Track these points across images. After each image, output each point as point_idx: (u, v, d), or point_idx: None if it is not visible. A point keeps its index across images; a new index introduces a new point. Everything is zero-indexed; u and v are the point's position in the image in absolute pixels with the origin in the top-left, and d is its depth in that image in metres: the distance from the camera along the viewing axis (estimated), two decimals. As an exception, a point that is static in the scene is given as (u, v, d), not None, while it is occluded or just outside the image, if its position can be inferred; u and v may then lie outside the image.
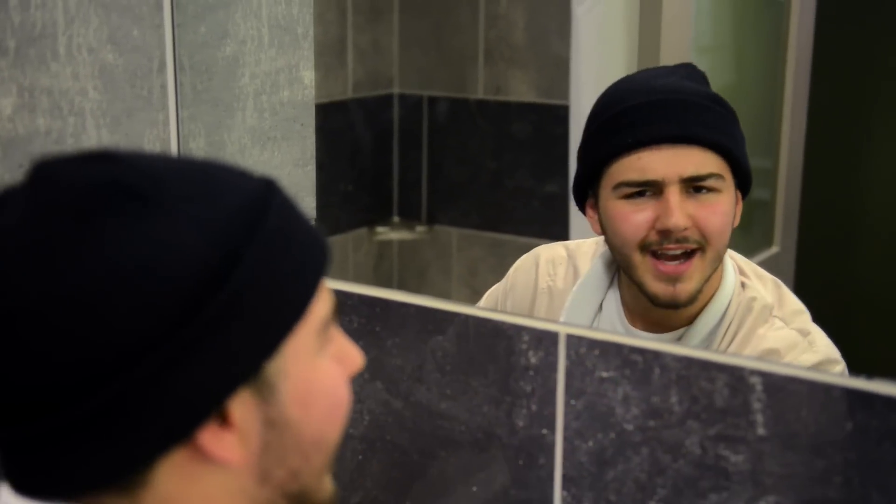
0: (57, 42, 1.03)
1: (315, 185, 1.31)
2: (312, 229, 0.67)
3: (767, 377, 0.84)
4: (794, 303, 1.12)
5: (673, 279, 1.04)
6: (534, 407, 0.96)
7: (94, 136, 1.08)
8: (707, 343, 1.09)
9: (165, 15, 1.13)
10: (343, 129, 2.04)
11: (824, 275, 1.19)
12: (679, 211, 1.03)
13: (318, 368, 0.66)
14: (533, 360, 0.95)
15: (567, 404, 0.94)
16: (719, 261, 1.07)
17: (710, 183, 1.04)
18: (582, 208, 1.14)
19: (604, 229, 1.10)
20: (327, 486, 0.72)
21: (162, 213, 0.59)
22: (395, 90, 2.17)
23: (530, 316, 1.17)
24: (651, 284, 1.05)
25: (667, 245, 1.04)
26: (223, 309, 0.59)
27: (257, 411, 0.63)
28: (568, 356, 0.93)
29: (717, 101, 1.09)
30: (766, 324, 1.08)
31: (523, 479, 0.97)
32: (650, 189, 1.05)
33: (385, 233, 2.10)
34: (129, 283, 0.58)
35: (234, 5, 1.20)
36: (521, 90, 2.01)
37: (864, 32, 2.05)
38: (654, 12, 1.72)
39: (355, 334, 1.06)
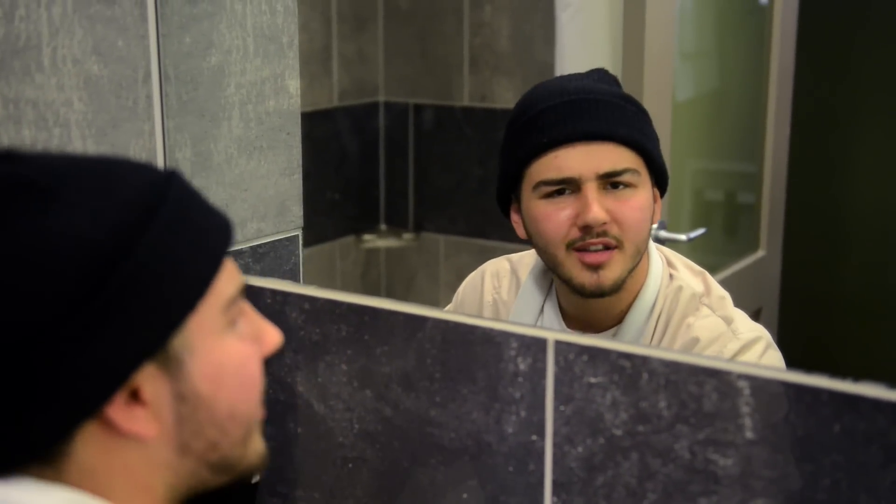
0: (41, 53, 1.03)
1: (302, 194, 1.31)
2: (214, 214, 0.71)
3: (755, 381, 0.84)
4: (718, 289, 1.15)
5: (596, 268, 1.08)
6: (523, 413, 0.96)
7: (79, 146, 1.08)
8: (640, 337, 1.12)
9: (150, 26, 1.13)
10: (329, 138, 2.04)
11: (810, 277, 1.20)
12: (597, 205, 1.06)
13: (226, 345, 0.70)
14: (522, 366, 0.95)
15: (556, 410, 0.94)
16: (639, 255, 1.10)
17: (626, 178, 1.08)
18: (506, 213, 1.17)
19: (528, 232, 1.13)
20: (253, 452, 0.75)
21: (60, 205, 0.63)
22: (381, 98, 2.18)
23: (519, 323, 1.18)
24: (577, 276, 1.09)
25: (588, 240, 1.07)
26: (120, 289, 0.63)
27: (167, 386, 0.67)
28: (556, 362, 0.93)
29: (629, 100, 1.12)
30: (695, 312, 1.12)
31: (513, 485, 0.97)
32: (569, 187, 1.08)
33: (372, 240, 2.11)
34: (27, 269, 0.62)
35: (218, 15, 1.19)
36: (507, 97, 2.02)
37: (846, 39, 2.07)
38: (637, 19, 1.73)
39: (343, 343, 1.06)
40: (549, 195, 1.09)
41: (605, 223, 1.06)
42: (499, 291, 1.24)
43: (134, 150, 1.13)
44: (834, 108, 2.08)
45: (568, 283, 1.10)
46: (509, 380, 0.96)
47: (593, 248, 1.07)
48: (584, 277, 1.08)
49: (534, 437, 0.95)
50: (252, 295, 1.11)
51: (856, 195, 2.10)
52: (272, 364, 1.11)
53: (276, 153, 1.28)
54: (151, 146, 1.15)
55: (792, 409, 0.83)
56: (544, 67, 1.87)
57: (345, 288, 1.06)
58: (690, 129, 1.93)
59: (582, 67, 1.72)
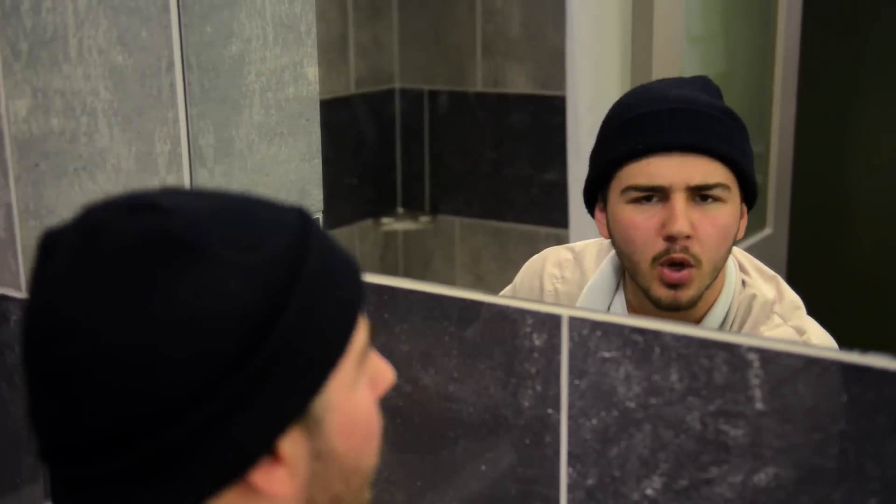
0: (68, 44, 1.03)
1: (321, 179, 1.31)
2: (349, 261, 0.67)
3: (764, 353, 0.84)
4: (792, 298, 1.12)
5: (675, 286, 1.05)
6: (539, 388, 0.96)
7: (106, 134, 1.08)
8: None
9: (172, 16, 1.13)
10: (347, 124, 2.04)
11: (816, 254, 1.19)
12: (683, 218, 1.03)
13: (357, 397, 0.67)
14: (537, 342, 0.95)
15: (571, 384, 0.94)
16: (717, 272, 1.07)
17: (716, 192, 1.04)
18: (591, 211, 1.14)
19: (611, 233, 1.10)
20: (363, 500, 0.72)
21: (207, 263, 0.59)
22: (397, 85, 2.17)
23: (533, 300, 1.18)
24: (656, 290, 1.06)
25: (672, 255, 1.04)
26: (271, 355, 0.59)
27: (306, 446, 0.63)
28: (571, 338, 0.93)
29: (730, 114, 1.08)
30: (768, 320, 1.09)
31: (530, 457, 0.98)
32: (657, 195, 1.05)
33: (390, 223, 2.11)
34: (177, 335, 0.57)
35: (238, 5, 1.19)
36: (519, 82, 2.01)
37: (851, 22, 2.05)
38: (646, 4, 1.72)
39: (364, 321, 1.06)
40: (636, 200, 1.06)
41: (688, 236, 1.04)
42: (561, 281, 1.21)
43: (158, 137, 1.14)
44: (839, 89, 2.07)
45: (645, 292, 1.08)
46: (525, 355, 0.96)
47: (675, 263, 1.05)
48: (662, 293, 1.06)
49: (549, 411, 0.96)
50: (275, 276, 1.11)
51: (861, 174, 2.08)
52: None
53: (296, 139, 1.28)
54: (175, 133, 1.15)
55: (800, 380, 0.83)
56: (555, 53, 1.86)
57: (364, 269, 1.06)
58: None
59: (593, 53, 1.72)
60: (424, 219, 2.13)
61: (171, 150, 1.15)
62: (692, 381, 0.88)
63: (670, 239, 1.04)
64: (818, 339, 1.08)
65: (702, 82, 1.13)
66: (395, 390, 1.05)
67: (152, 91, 1.12)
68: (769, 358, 0.84)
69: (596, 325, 0.92)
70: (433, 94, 2.14)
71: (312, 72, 1.29)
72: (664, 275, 1.05)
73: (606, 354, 0.92)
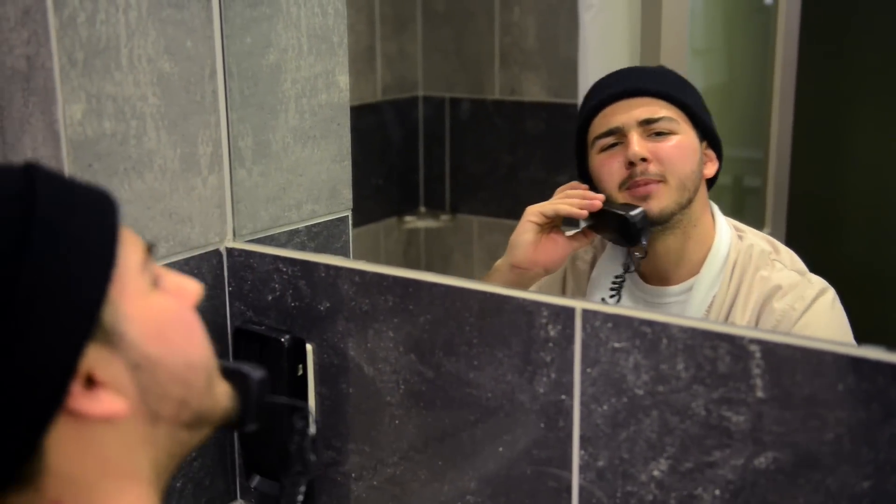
0: (120, 53, 1.04)
1: (351, 179, 1.32)
2: (93, 188, 0.66)
3: (765, 345, 0.84)
4: (787, 250, 1.18)
5: (643, 198, 1.12)
6: (553, 375, 0.96)
7: (153, 137, 1.09)
8: (714, 288, 1.14)
9: (215, 27, 1.14)
10: (374, 129, 2.05)
11: (812, 255, 1.18)
12: (638, 145, 1.12)
13: (156, 304, 0.65)
14: (552, 332, 0.95)
15: (583, 372, 0.94)
16: (686, 191, 1.14)
17: (663, 125, 1.14)
18: (583, 178, 1.22)
19: (594, 186, 1.18)
20: (221, 395, 0.70)
21: None
22: (420, 93, 2.18)
23: (549, 294, 1.20)
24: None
25: (634, 179, 1.13)
26: (33, 284, 0.58)
27: (119, 361, 0.62)
28: (584, 329, 0.93)
29: (674, 74, 1.21)
30: (769, 266, 1.15)
31: (544, 439, 0.98)
32: (618, 138, 1.14)
33: (413, 222, 2.11)
34: None
35: (276, 17, 1.20)
36: (534, 91, 2.01)
37: (845, 34, 2.04)
38: (654, 18, 1.71)
39: (390, 312, 1.06)
40: (603, 149, 1.16)
41: (645, 160, 1.12)
42: (581, 257, 1.27)
43: (202, 140, 1.14)
44: (834, 99, 2.05)
45: None
46: (541, 345, 0.96)
47: (639, 182, 1.13)
48: None
49: (563, 397, 0.96)
50: (307, 269, 1.12)
51: (854, 179, 2.07)
52: (326, 331, 1.11)
53: (327, 142, 1.28)
54: (217, 136, 1.16)
55: (799, 370, 0.83)
56: (568, 63, 1.86)
57: (388, 265, 1.07)
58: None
59: (603, 63, 1.71)
60: (445, 217, 2.13)
61: (213, 152, 1.16)
62: (697, 370, 0.88)
63: (630, 166, 1.13)
64: (817, 280, 1.14)
65: (657, 66, 1.26)
66: (419, 376, 1.06)
67: (196, 97, 1.13)
68: (770, 349, 0.84)
69: (608, 317, 0.92)
70: (454, 102, 2.14)
71: (343, 80, 1.29)
72: (633, 193, 1.13)
73: (617, 345, 0.91)
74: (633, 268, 1.20)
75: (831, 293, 1.12)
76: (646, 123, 1.13)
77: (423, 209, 2.17)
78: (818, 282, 1.13)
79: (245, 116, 1.18)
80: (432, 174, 2.17)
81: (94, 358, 0.60)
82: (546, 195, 1.18)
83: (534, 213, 1.17)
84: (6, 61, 1.01)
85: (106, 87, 1.03)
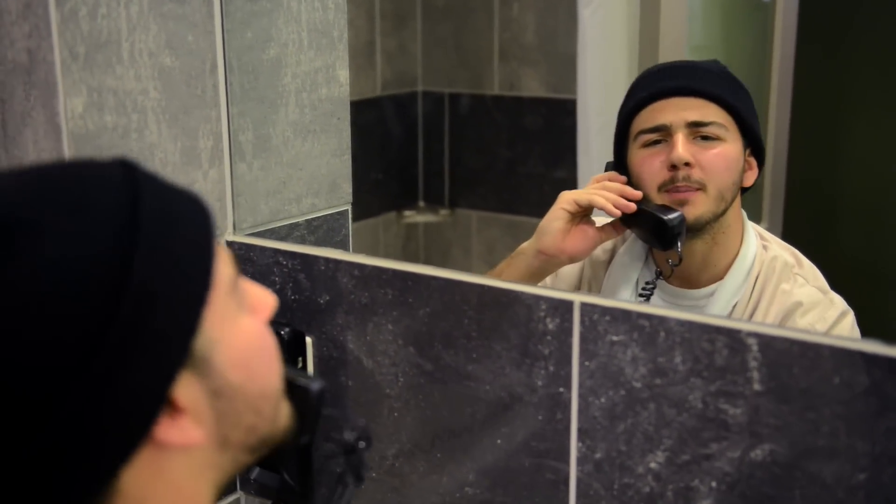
0: (121, 48, 1.04)
1: (351, 174, 1.31)
2: (191, 198, 0.61)
3: (762, 338, 0.84)
4: (810, 264, 1.15)
5: (681, 202, 1.09)
6: (551, 368, 0.96)
7: (154, 131, 1.08)
8: (736, 297, 1.12)
9: (216, 22, 1.13)
10: (374, 124, 2.04)
11: (808, 247, 1.18)
12: (683, 148, 1.08)
13: (241, 327, 0.62)
14: (550, 326, 0.95)
15: (581, 365, 0.94)
16: (724, 201, 1.11)
17: (712, 130, 1.10)
18: (620, 169, 1.18)
19: (631, 181, 1.15)
20: (283, 420, 0.67)
21: (41, 237, 0.53)
22: (420, 88, 2.18)
23: (546, 287, 1.20)
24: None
25: (676, 183, 1.09)
26: (135, 307, 0.54)
27: (201, 388, 0.59)
28: (582, 322, 0.93)
29: (730, 75, 1.15)
30: (790, 280, 1.12)
31: (542, 432, 0.98)
32: (662, 136, 1.11)
33: (412, 216, 2.11)
34: (36, 315, 0.52)
35: (276, 12, 1.20)
36: (533, 86, 2.01)
37: (842, 32, 2.04)
38: (653, 14, 1.71)
39: (389, 305, 1.06)
40: (646, 144, 1.12)
41: (688, 164, 1.09)
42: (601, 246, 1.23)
43: (202, 133, 1.14)
44: (831, 95, 2.05)
45: None
46: (539, 338, 0.96)
47: (679, 187, 1.10)
48: None
49: (561, 389, 0.96)
50: (307, 263, 1.12)
51: (851, 174, 2.07)
52: (326, 324, 1.11)
53: (327, 136, 1.28)
54: (218, 130, 1.16)
55: (796, 363, 0.83)
56: (567, 59, 1.86)
57: (387, 258, 1.06)
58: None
59: (602, 59, 1.71)
60: (444, 212, 2.13)
61: (214, 146, 1.16)
62: (694, 363, 0.88)
63: (673, 168, 1.09)
64: (839, 301, 1.12)
65: (711, 61, 1.19)
66: (418, 369, 1.06)
67: (197, 91, 1.12)
68: (767, 342, 0.84)
69: (605, 310, 0.92)
70: (453, 97, 2.14)
71: (343, 74, 1.29)
72: (672, 196, 1.10)
73: (615, 338, 0.91)
74: (663, 276, 1.17)
75: (851, 316, 1.10)
76: (694, 126, 1.10)
77: (422, 204, 2.17)
78: (840, 302, 1.11)
79: (245, 110, 1.18)
80: (431, 169, 2.17)
81: (182, 385, 0.57)
82: (544, 190, 1.18)
83: (568, 200, 1.14)
84: (7, 55, 1.01)
85: (107, 80, 1.03)
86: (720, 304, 1.13)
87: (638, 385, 0.91)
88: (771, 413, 0.85)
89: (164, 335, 0.56)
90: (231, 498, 1.24)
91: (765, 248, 1.15)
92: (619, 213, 1.11)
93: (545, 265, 1.16)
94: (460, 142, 2.15)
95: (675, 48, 1.77)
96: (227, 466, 0.63)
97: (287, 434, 0.68)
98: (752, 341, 0.84)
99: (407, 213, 2.14)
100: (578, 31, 1.73)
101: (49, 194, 0.55)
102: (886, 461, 0.79)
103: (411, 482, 1.09)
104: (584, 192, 1.14)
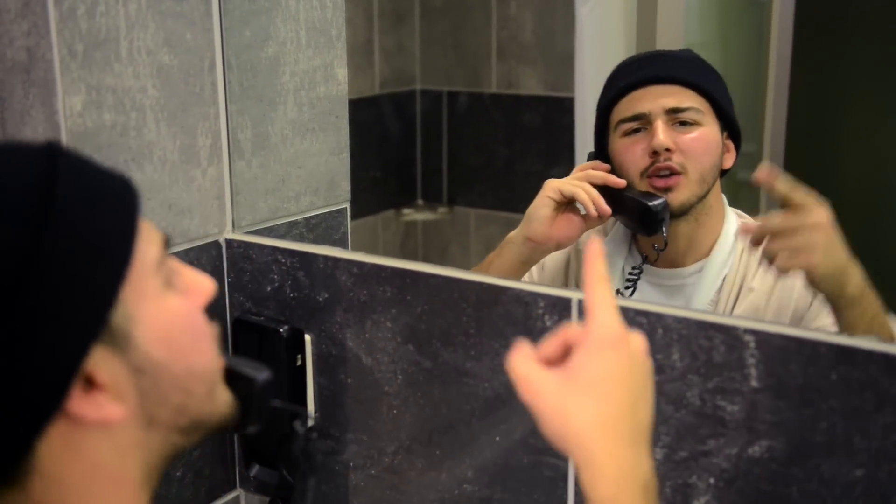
0: (119, 46, 1.03)
1: (349, 172, 1.31)
2: (114, 178, 0.62)
3: (760, 335, 0.84)
4: None
5: (665, 189, 1.12)
6: (549, 365, 0.96)
7: (153, 129, 1.08)
8: (724, 270, 1.15)
9: (214, 20, 1.13)
10: (372, 122, 2.04)
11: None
12: (663, 134, 1.11)
13: (168, 305, 0.62)
14: (548, 323, 0.95)
15: (579, 362, 0.94)
16: (705, 184, 1.14)
17: (689, 115, 1.13)
18: (602, 159, 1.21)
19: (614, 169, 1.17)
20: (221, 403, 0.67)
21: None
22: (418, 86, 2.17)
23: (554, 272, 1.24)
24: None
25: (657, 165, 1.12)
26: (41, 282, 0.54)
27: (120, 363, 0.59)
28: (580, 319, 0.93)
29: (703, 61, 1.19)
30: None
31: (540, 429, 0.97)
32: (642, 124, 1.14)
33: (410, 214, 2.11)
34: None
35: (274, 10, 1.19)
36: (531, 84, 2.01)
37: (839, 30, 2.03)
38: (650, 12, 1.71)
39: (388, 303, 1.06)
40: (627, 133, 1.15)
41: (669, 149, 1.11)
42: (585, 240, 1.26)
43: (201, 131, 1.14)
44: (828, 92, 2.05)
45: None
46: (537, 335, 0.96)
47: (661, 173, 1.12)
48: None
49: (559, 386, 0.95)
50: (306, 260, 1.12)
51: (848, 172, 2.07)
52: (324, 322, 1.11)
53: (326, 134, 1.28)
54: (216, 128, 1.16)
55: (793, 360, 0.83)
56: (565, 57, 1.85)
57: (386, 256, 1.07)
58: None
59: (600, 57, 1.71)
60: (442, 210, 2.13)
61: (213, 144, 1.16)
62: (692, 360, 0.88)
63: (654, 155, 1.12)
64: None
65: (683, 50, 1.24)
66: (417, 366, 1.05)
67: (195, 89, 1.12)
68: (764, 339, 0.84)
69: (604, 307, 0.91)
70: (451, 95, 2.14)
71: (342, 73, 1.29)
72: (654, 183, 1.13)
73: (613, 335, 0.91)
74: (649, 261, 1.19)
75: None
76: (672, 112, 1.13)
77: (420, 202, 2.17)
78: None
79: (244, 108, 1.18)
80: (430, 167, 2.17)
81: (98, 360, 0.57)
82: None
83: (553, 188, 1.16)
84: (7, 53, 1.01)
85: (106, 78, 1.02)
86: (709, 280, 1.15)
87: (636, 382, 0.91)
88: (768, 409, 0.85)
89: (76, 307, 0.56)
90: (230, 496, 1.24)
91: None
92: (595, 213, 1.13)
93: (533, 252, 1.18)
94: (458, 140, 2.15)
95: (672, 46, 1.77)
96: (156, 447, 0.62)
97: (227, 421, 0.67)
98: (749, 338, 0.84)
99: (405, 210, 2.14)
100: (576, 29, 1.73)
101: None
102: (883, 457, 0.80)
103: (410, 479, 1.09)
104: (569, 184, 1.16)
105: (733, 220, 1.19)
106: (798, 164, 2.02)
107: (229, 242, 1.18)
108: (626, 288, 1.19)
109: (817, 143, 2.08)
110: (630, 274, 1.20)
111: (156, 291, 0.61)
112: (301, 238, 1.26)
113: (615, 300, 0.67)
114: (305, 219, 1.26)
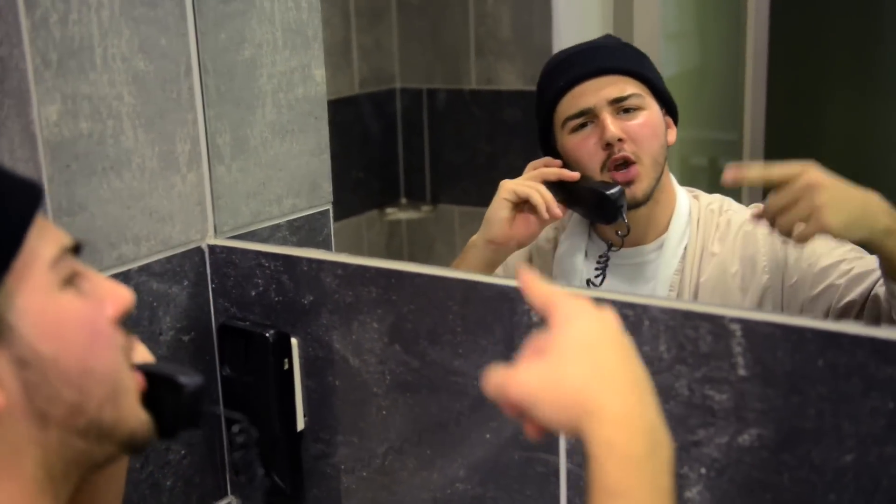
0: (94, 53, 1.02)
1: (331, 173, 1.30)
2: (14, 179, 0.63)
3: (746, 323, 0.84)
4: (741, 206, 1.22)
5: (626, 184, 1.14)
6: (537, 360, 0.95)
7: (130, 136, 1.07)
8: (683, 242, 1.19)
9: (189, 24, 1.12)
10: (352, 122, 2.03)
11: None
12: (612, 126, 1.13)
13: (61, 303, 0.62)
14: (535, 318, 0.95)
15: (567, 356, 0.93)
16: (658, 166, 1.17)
17: (632, 102, 1.15)
18: (550, 154, 1.23)
19: (566, 165, 1.19)
20: (132, 417, 0.66)
21: None
22: (398, 85, 2.16)
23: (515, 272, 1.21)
24: None
25: (613, 158, 1.14)
26: None
27: (4, 355, 0.59)
28: (566, 313, 0.92)
29: (628, 45, 1.23)
30: (727, 211, 1.20)
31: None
32: (589, 118, 1.15)
33: (394, 213, 2.10)
34: None
35: (249, 13, 1.18)
36: (510, 80, 2.00)
37: (816, 17, 2.04)
38: (626, 5, 1.71)
39: (374, 303, 1.05)
40: (574, 130, 1.17)
41: (621, 139, 1.13)
42: (544, 237, 1.28)
43: (180, 137, 1.13)
44: (806, 79, 2.06)
45: None
46: (524, 331, 0.96)
47: (619, 165, 1.14)
48: None
49: (547, 381, 0.95)
50: (290, 264, 1.11)
51: (828, 158, 2.07)
52: (310, 324, 1.10)
53: (306, 136, 1.27)
54: (195, 133, 1.14)
55: (780, 347, 0.83)
56: (543, 51, 1.85)
57: (371, 256, 1.06)
58: (676, 103, 1.92)
59: (578, 49, 1.69)
60: (426, 208, 2.12)
61: (192, 149, 1.14)
62: (679, 350, 0.87)
63: (608, 147, 1.14)
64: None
65: (605, 37, 1.25)
66: (404, 366, 1.05)
67: (172, 95, 1.11)
68: (750, 327, 0.84)
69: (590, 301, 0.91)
70: (431, 93, 2.13)
71: (320, 73, 1.28)
72: (615, 177, 1.15)
73: (599, 328, 0.91)
74: (615, 247, 1.21)
75: None
76: (616, 102, 1.15)
77: (403, 200, 2.16)
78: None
79: (222, 113, 1.17)
80: (412, 165, 2.16)
81: None
82: (525, 182, 1.18)
83: (509, 190, 1.18)
84: (-21, 64, 0.99)
85: (81, 87, 1.01)
86: (669, 252, 1.18)
87: (624, 374, 0.90)
88: (757, 397, 0.84)
89: None
90: (223, 502, 1.23)
91: (696, 197, 1.22)
92: (546, 215, 1.15)
93: (496, 254, 1.20)
94: (440, 137, 2.14)
95: (649, 37, 1.77)
96: (55, 446, 0.62)
97: (136, 438, 0.67)
98: (735, 327, 0.84)
99: (389, 210, 2.13)
100: (552, 22, 1.73)
101: None
102: (872, 441, 0.79)
103: (401, 479, 1.08)
104: (523, 185, 1.17)
105: (683, 193, 1.22)
106: (778, 151, 2.02)
107: (212, 248, 1.17)
108: (596, 276, 1.21)
109: (797, 130, 2.08)
110: (598, 262, 1.22)
111: (47, 287, 0.62)
112: (284, 241, 1.25)
113: (566, 291, 0.67)
114: (288, 221, 1.25)
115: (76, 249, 0.65)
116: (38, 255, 0.62)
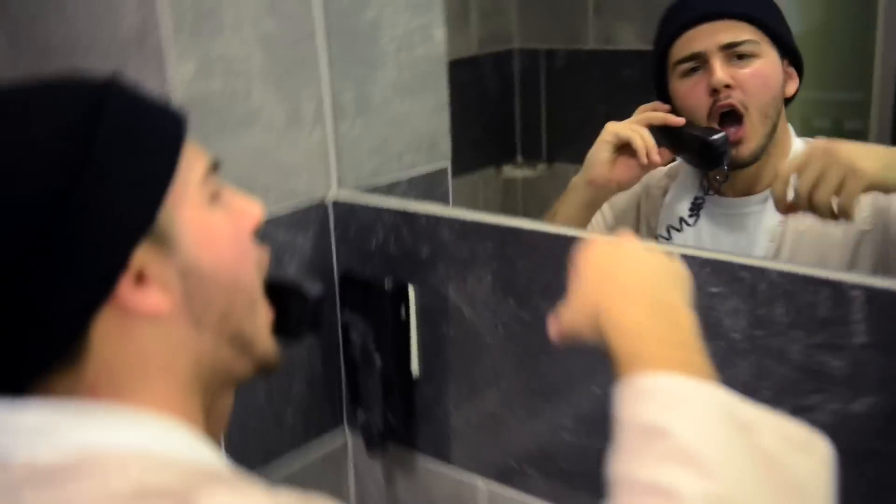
0: (225, 15, 1.04)
1: (449, 131, 1.29)
2: (165, 105, 0.66)
3: (868, 290, 0.79)
4: None
5: (734, 143, 1.09)
6: (648, 319, 0.93)
7: (260, 94, 1.09)
8: (792, 193, 1.08)
9: (315, -14, 1.12)
10: (471, 82, 2.01)
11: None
12: (721, 71, 1.08)
13: (213, 218, 0.65)
14: (646, 277, 0.91)
15: (678, 316, 0.90)
16: (768, 120, 1.10)
17: (746, 48, 1.09)
18: (663, 99, 1.18)
19: (676, 111, 1.14)
20: (265, 339, 0.69)
21: (7, 123, 0.59)
22: (516, 45, 2.12)
23: (624, 218, 1.22)
24: None
25: (718, 104, 1.08)
26: (96, 179, 0.58)
27: (167, 262, 0.62)
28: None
29: None
30: None
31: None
32: (699, 63, 1.10)
33: (510, 171, 2.08)
34: (4, 178, 0.57)
35: (373, -25, 1.18)
36: (629, 39, 1.94)
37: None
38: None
39: (489, 257, 1.04)
40: (685, 74, 1.12)
41: (728, 86, 1.08)
42: (655, 185, 1.24)
43: (305, 96, 1.14)
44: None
45: None
46: (635, 289, 0.93)
47: (725, 113, 1.08)
48: None
49: (658, 340, 0.92)
50: (408, 218, 1.11)
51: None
52: (427, 276, 1.11)
53: (425, 95, 1.26)
54: (320, 92, 1.15)
55: (903, 314, 0.77)
56: (662, 10, 1.78)
57: (486, 212, 1.05)
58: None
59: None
60: (541, 166, 2.09)
61: (317, 107, 1.15)
62: (796, 314, 0.83)
63: (714, 93, 1.08)
64: None
65: None
66: (517, 319, 1.04)
67: (299, 55, 1.12)
68: (872, 294, 0.79)
69: (705, 262, 0.88)
70: (549, 53, 2.09)
71: (439, 34, 1.26)
72: (723, 130, 1.09)
73: (714, 289, 0.87)
74: (712, 191, 1.16)
75: None
76: (728, 48, 1.08)
77: (519, 159, 2.14)
78: None
79: (346, 73, 1.17)
80: (528, 124, 2.13)
81: (147, 257, 0.60)
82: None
83: (611, 132, 1.15)
84: (122, 25, 1.02)
85: (214, 47, 1.03)
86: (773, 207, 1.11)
87: (737, 336, 0.87)
88: (875, 365, 0.80)
89: (126, 203, 0.60)
90: (338, 440, 1.26)
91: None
92: (645, 160, 1.11)
93: (596, 195, 1.17)
94: (557, 97, 2.10)
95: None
96: (208, 350, 0.65)
97: (267, 360, 0.70)
98: (856, 293, 0.79)
99: (505, 168, 2.11)
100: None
101: (38, 89, 0.62)
102: None
103: (509, 426, 1.08)
104: (626, 128, 1.14)
105: (799, 144, 1.14)
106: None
107: (335, 201, 1.18)
108: (690, 216, 1.17)
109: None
110: (692, 205, 1.17)
111: (200, 203, 0.64)
112: (404, 196, 1.25)
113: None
114: (408, 177, 1.25)
115: (215, 167, 0.68)
116: (190, 174, 0.64)
